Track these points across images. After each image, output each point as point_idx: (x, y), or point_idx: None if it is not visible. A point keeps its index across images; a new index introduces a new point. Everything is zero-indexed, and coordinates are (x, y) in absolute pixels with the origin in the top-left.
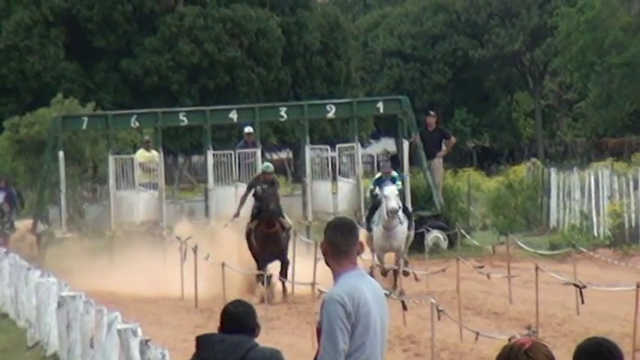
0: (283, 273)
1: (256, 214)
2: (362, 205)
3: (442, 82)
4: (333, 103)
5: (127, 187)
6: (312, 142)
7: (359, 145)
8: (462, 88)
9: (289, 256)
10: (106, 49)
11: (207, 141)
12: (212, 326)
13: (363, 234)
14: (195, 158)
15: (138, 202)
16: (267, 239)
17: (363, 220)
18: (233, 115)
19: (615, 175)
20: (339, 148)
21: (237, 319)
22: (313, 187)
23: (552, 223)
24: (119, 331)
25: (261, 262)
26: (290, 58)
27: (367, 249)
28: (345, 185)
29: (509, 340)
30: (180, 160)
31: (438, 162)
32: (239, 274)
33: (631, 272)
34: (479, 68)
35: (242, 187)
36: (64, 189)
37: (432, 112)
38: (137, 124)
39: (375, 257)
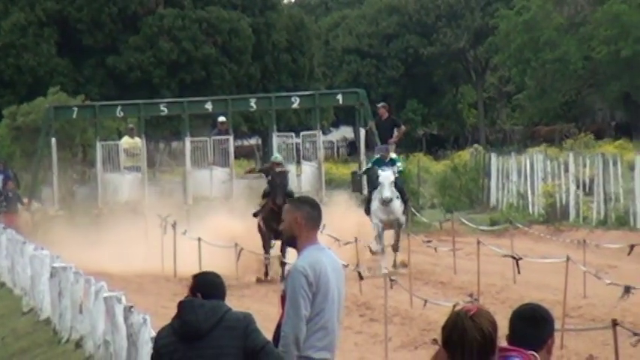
0: (283, 252)
1: (266, 195)
2: (323, 186)
3: (395, 77)
4: (298, 95)
5: (112, 170)
6: (278, 130)
7: (320, 132)
8: (412, 82)
9: None
10: (93, 47)
11: (185, 129)
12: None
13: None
14: (174, 144)
15: (122, 184)
16: (272, 215)
17: (324, 199)
18: (208, 106)
19: (548, 160)
20: (302, 135)
21: (213, 286)
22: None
23: (492, 202)
24: (105, 299)
25: (266, 241)
26: (259, 55)
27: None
28: (308, 168)
29: (454, 306)
30: (161, 145)
31: (390, 148)
32: (216, 248)
33: (562, 246)
34: (428, 64)
35: (216, 170)
36: (56, 172)
37: (383, 103)
38: (122, 113)
39: (374, 232)
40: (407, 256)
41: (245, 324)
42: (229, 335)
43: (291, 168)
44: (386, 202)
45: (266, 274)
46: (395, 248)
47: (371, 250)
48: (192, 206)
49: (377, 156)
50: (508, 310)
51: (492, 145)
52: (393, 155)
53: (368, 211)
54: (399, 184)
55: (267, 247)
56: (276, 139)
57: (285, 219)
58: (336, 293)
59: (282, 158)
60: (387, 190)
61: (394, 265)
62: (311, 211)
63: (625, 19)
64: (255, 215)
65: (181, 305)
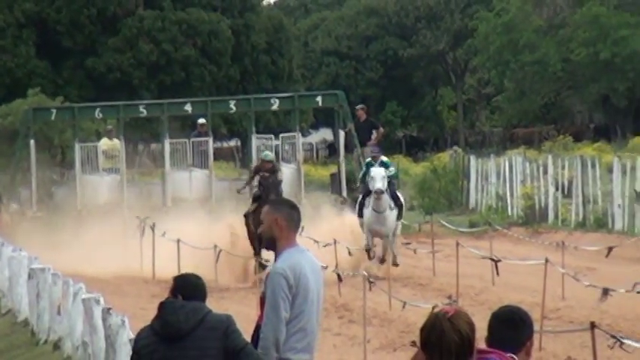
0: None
1: (256, 199)
2: (302, 188)
3: (374, 79)
4: (277, 97)
5: (91, 171)
6: (257, 132)
7: (300, 134)
8: (392, 84)
9: None
10: (73, 49)
11: (164, 130)
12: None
13: (353, 219)
14: (153, 146)
15: (101, 185)
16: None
17: (303, 201)
18: (188, 108)
19: (527, 162)
20: (282, 137)
21: (194, 288)
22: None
23: (471, 204)
24: (84, 300)
25: (257, 244)
26: (239, 57)
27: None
28: (287, 170)
29: (433, 308)
30: (140, 147)
31: (369, 150)
32: (194, 250)
33: (540, 248)
34: (407, 66)
35: (196, 172)
36: (35, 173)
37: (362, 105)
38: (101, 115)
39: (364, 239)
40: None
41: (226, 325)
42: (211, 336)
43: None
44: (378, 194)
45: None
46: (381, 261)
47: (369, 256)
48: (171, 208)
49: (368, 159)
50: (487, 312)
51: (471, 147)
52: (384, 159)
53: (360, 214)
54: (392, 189)
55: (256, 248)
56: (255, 141)
57: (264, 221)
58: (316, 295)
59: (272, 156)
60: (379, 181)
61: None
62: (291, 212)
63: (604, 22)
64: (245, 216)
65: (162, 306)
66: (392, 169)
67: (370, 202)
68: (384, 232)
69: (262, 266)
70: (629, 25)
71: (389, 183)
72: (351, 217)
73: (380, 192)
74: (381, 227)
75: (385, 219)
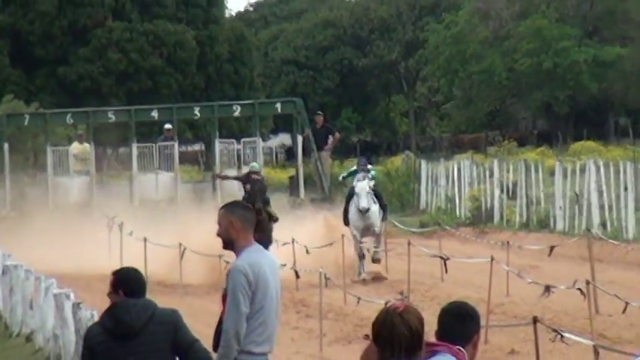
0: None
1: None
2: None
3: (331, 87)
4: (239, 104)
5: (62, 174)
6: (220, 137)
7: (260, 139)
8: (347, 92)
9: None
10: (45, 58)
11: (132, 135)
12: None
13: (339, 225)
14: (121, 150)
15: (72, 187)
16: None
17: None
18: (154, 114)
19: (474, 165)
20: (243, 142)
21: (135, 281)
22: (212, 173)
23: (422, 205)
24: (55, 295)
25: None
26: (203, 66)
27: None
28: (230, 174)
29: (385, 304)
30: (109, 151)
31: (325, 154)
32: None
33: (486, 247)
34: (362, 75)
35: (162, 175)
36: (9, 175)
37: (319, 112)
38: (72, 121)
39: (353, 239)
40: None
41: (175, 319)
42: (161, 330)
43: (233, 172)
44: (363, 212)
45: None
46: (375, 258)
47: (360, 256)
48: (138, 208)
49: (354, 167)
50: (436, 308)
51: (422, 151)
52: (370, 166)
53: (347, 223)
54: (377, 192)
55: None
56: (218, 146)
57: (220, 224)
58: (274, 291)
59: (259, 167)
60: (364, 200)
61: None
62: (244, 214)
63: (546, 33)
64: None
65: (115, 306)
66: (372, 172)
67: (353, 203)
68: (369, 225)
69: None
70: (569, 37)
71: (373, 189)
72: (314, 216)
73: (365, 211)
74: (366, 222)
75: (369, 217)
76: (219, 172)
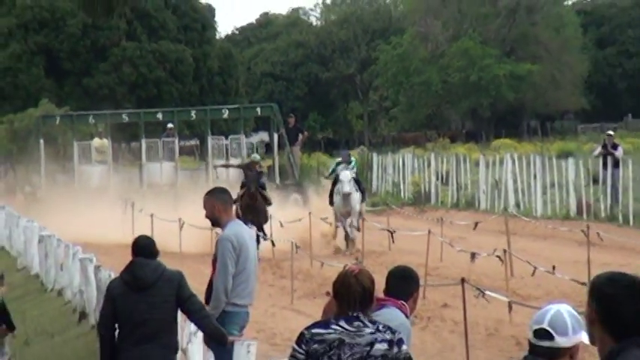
0: (259, 236)
1: (242, 186)
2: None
3: (300, 95)
4: (227, 108)
5: (86, 163)
6: (212, 134)
7: (244, 136)
8: (313, 99)
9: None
10: (72, 71)
11: (141, 132)
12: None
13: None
14: (133, 144)
15: (93, 174)
16: (248, 207)
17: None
18: (159, 116)
19: (415, 158)
20: (230, 138)
21: (149, 247)
22: (213, 163)
23: (374, 189)
24: (80, 260)
25: (244, 221)
26: (198, 78)
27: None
28: (234, 163)
29: (344, 267)
30: (123, 145)
31: (296, 148)
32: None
33: (425, 222)
34: (325, 85)
35: (165, 164)
36: (44, 164)
37: (291, 114)
38: (93, 121)
39: (336, 221)
40: (309, 229)
41: (179, 278)
42: (168, 286)
43: (222, 163)
44: (346, 196)
45: None
46: (352, 232)
47: (334, 237)
48: (146, 190)
49: (339, 159)
50: (385, 271)
51: (374, 146)
52: (352, 158)
53: (331, 203)
54: (357, 179)
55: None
56: (210, 141)
57: (205, 207)
58: (253, 256)
59: (259, 158)
60: (347, 185)
61: (349, 248)
62: (222, 195)
63: (472, 53)
64: (235, 201)
65: (132, 264)
66: (353, 163)
67: (338, 191)
68: (350, 209)
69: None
70: (491, 56)
71: (355, 176)
72: (287, 197)
73: (348, 195)
74: (347, 206)
75: (351, 200)
76: (224, 162)
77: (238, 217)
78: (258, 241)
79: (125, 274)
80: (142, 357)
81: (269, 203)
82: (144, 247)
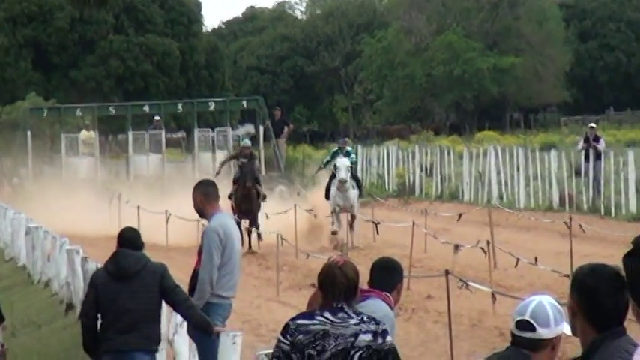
0: (254, 226)
1: (236, 181)
2: (232, 169)
3: (286, 88)
4: (213, 101)
5: (73, 155)
6: (198, 127)
7: (230, 128)
8: (299, 92)
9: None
10: (60, 64)
11: (128, 125)
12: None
13: (322, 198)
14: (120, 136)
15: (81, 166)
16: (242, 198)
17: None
18: (146, 108)
19: (400, 150)
20: (216, 131)
21: (134, 239)
22: (200, 155)
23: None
24: (67, 251)
25: (238, 217)
26: (184, 71)
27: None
28: (220, 155)
29: (329, 258)
30: (110, 137)
31: (281, 141)
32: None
33: (409, 214)
34: (311, 78)
35: (152, 156)
36: (31, 156)
37: (277, 108)
38: (81, 113)
39: (332, 215)
40: (294, 221)
41: (162, 269)
42: (151, 277)
43: (208, 155)
44: (342, 182)
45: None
46: (351, 227)
47: (333, 231)
48: (133, 182)
49: (336, 148)
50: (369, 262)
51: (359, 139)
52: (349, 148)
53: (328, 197)
54: (354, 173)
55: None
56: (197, 133)
57: (193, 200)
58: (238, 247)
59: (250, 143)
60: (343, 172)
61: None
62: (205, 189)
63: (456, 47)
64: (229, 197)
65: (116, 254)
66: (353, 157)
67: (335, 184)
68: (348, 205)
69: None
70: (474, 49)
71: (350, 168)
72: (272, 188)
73: (344, 181)
74: (345, 202)
75: (348, 196)
76: (219, 167)
77: (233, 212)
78: (249, 236)
79: (109, 263)
80: (123, 346)
81: (263, 198)
82: (129, 239)
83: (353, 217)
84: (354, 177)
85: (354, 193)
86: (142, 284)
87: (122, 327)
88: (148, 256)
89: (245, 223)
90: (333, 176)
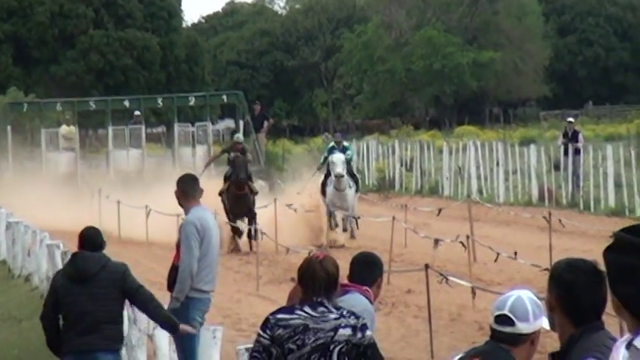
0: (251, 227)
1: (228, 178)
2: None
3: (266, 82)
4: (193, 96)
5: (53, 150)
6: (179, 121)
7: (210, 123)
8: (279, 86)
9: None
10: (40, 59)
11: (108, 120)
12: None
13: (317, 195)
14: (100, 131)
15: (61, 160)
16: (236, 200)
17: (213, 172)
18: (126, 103)
19: (380, 144)
20: (197, 125)
21: (95, 239)
22: (180, 151)
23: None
24: (48, 246)
25: (232, 217)
26: (165, 65)
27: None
28: (200, 150)
29: (309, 253)
30: (90, 132)
31: (261, 135)
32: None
33: (389, 208)
34: (290, 73)
35: (132, 151)
36: (11, 150)
37: (257, 102)
38: (61, 108)
39: (326, 212)
40: (274, 216)
41: (123, 270)
42: (111, 278)
43: (188, 149)
44: (338, 177)
45: (237, 245)
46: (344, 229)
47: (330, 227)
48: (113, 177)
49: (332, 144)
50: (349, 257)
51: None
52: (346, 143)
53: (324, 193)
54: (350, 170)
55: (230, 218)
56: (177, 128)
57: (175, 194)
58: (216, 240)
59: (242, 138)
60: (340, 167)
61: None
62: (183, 185)
63: (435, 41)
64: (220, 194)
65: (75, 256)
66: (349, 153)
67: (331, 181)
68: (345, 206)
69: (237, 231)
70: (454, 44)
71: (347, 164)
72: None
73: (340, 176)
74: (342, 203)
75: (345, 196)
76: (206, 163)
77: (226, 210)
78: (249, 237)
79: (68, 266)
80: (85, 347)
81: (255, 193)
82: (89, 239)
83: (349, 220)
84: (351, 174)
85: (351, 193)
86: (101, 285)
87: (83, 328)
88: (108, 257)
89: (242, 224)
90: (328, 173)
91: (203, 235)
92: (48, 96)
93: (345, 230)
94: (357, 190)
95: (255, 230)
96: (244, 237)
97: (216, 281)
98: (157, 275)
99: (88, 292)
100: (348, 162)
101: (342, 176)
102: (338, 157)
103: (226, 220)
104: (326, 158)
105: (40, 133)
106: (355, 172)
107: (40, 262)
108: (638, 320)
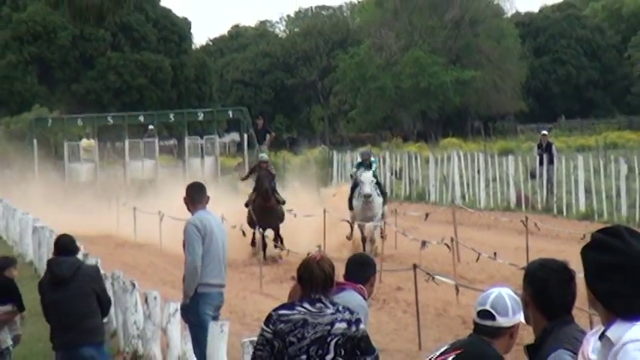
0: (278, 239)
1: (254, 190)
2: (218, 172)
3: (268, 99)
4: (202, 111)
5: (75, 161)
6: (189, 135)
7: (217, 136)
8: (280, 103)
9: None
10: (63, 78)
11: (125, 134)
12: (129, 246)
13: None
14: (117, 144)
15: (82, 171)
16: (263, 211)
17: (220, 180)
18: (141, 118)
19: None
20: (205, 138)
21: (69, 245)
22: (190, 161)
23: (334, 183)
24: None
25: (254, 226)
26: (176, 84)
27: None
28: (208, 160)
29: (307, 254)
30: (108, 145)
31: (264, 147)
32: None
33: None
34: (290, 91)
35: (146, 162)
36: (37, 162)
37: (260, 117)
38: (82, 123)
39: (357, 225)
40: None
41: (94, 271)
42: (85, 280)
43: (197, 160)
44: (366, 197)
45: (262, 252)
46: (371, 241)
47: (348, 237)
48: (129, 186)
49: (359, 160)
50: (345, 257)
51: (334, 145)
52: (372, 158)
53: (351, 207)
54: (378, 181)
55: (254, 227)
56: (187, 141)
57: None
58: (220, 240)
59: (267, 157)
60: (367, 187)
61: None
62: (190, 192)
63: (422, 61)
64: (246, 205)
65: (50, 263)
66: (374, 166)
67: (358, 195)
68: (371, 215)
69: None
70: (439, 64)
71: (374, 176)
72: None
73: (368, 196)
74: (369, 212)
75: (372, 206)
76: (243, 177)
77: (252, 222)
78: (276, 246)
79: (46, 272)
80: (69, 342)
81: (282, 203)
82: (63, 246)
83: (379, 228)
84: (377, 183)
85: (378, 202)
86: (78, 286)
87: (66, 326)
88: (81, 261)
89: (269, 234)
90: (355, 186)
91: (204, 232)
92: (70, 112)
93: (372, 242)
94: (384, 202)
95: (282, 240)
96: (270, 245)
97: (224, 276)
98: (169, 275)
99: (67, 293)
100: (376, 177)
101: (370, 196)
102: (366, 177)
103: (249, 228)
104: (355, 173)
105: (63, 146)
106: (384, 189)
107: None
108: (611, 313)
